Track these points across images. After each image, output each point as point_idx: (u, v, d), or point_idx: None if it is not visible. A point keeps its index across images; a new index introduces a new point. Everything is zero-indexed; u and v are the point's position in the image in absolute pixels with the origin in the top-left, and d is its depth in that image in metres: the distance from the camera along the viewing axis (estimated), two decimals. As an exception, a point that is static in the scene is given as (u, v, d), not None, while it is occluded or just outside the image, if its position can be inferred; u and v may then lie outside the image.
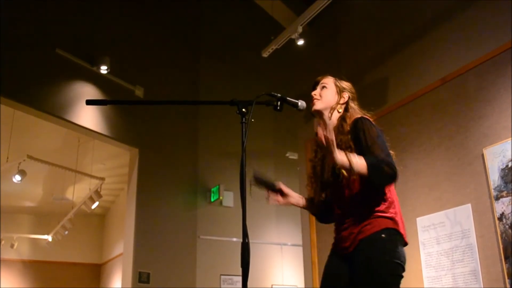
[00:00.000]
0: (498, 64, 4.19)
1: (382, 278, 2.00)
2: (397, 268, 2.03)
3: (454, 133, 4.51)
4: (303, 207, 2.43)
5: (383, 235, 2.04)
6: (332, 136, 1.95)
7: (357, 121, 2.20)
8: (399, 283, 2.03)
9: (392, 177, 2.05)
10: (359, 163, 2.01)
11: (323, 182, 2.33)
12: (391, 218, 2.10)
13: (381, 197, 2.14)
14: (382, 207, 2.12)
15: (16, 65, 4.93)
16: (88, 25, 5.75)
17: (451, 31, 4.77)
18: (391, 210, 2.13)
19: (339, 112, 2.32)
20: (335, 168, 2.16)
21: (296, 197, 2.40)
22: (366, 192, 2.14)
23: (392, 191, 2.21)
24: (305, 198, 2.43)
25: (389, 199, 2.16)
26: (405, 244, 2.14)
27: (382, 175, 2.02)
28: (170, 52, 6.64)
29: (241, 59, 7.22)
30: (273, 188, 2.35)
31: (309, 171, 2.44)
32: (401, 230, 2.12)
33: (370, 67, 5.81)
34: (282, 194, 2.36)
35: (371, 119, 2.25)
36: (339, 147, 2.13)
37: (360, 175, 2.05)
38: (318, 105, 2.32)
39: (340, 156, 1.99)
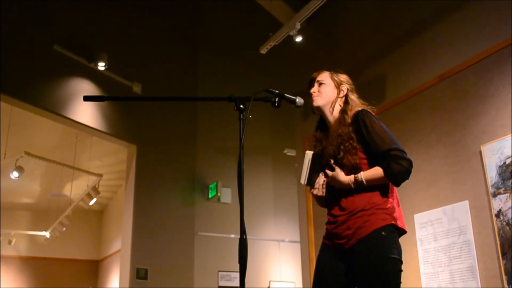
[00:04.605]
0: (496, 61, 4.19)
1: (388, 276, 2.02)
2: (399, 264, 2.05)
3: (452, 130, 4.51)
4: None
5: (383, 233, 2.05)
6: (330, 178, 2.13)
7: (358, 113, 2.21)
8: (400, 277, 2.05)
9: (409, 170, 2.10)
10: (370, 175, 2.10)
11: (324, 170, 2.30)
12: (389, 213, 2.11)
13: (380, 188, 2.14)
14: (380, 199, 2.12)
15: (14, 61, 4.92)
16: (85, 22, 5.73)
17: (449, 28, 4.77)
18: (389, 203, 2.13)
19: (340, 106, 2.33)
20: (336, 156, 2.18)
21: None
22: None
23: None
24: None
25: (388, 189, 2.16)
26: (404, 233, 2.15)
27: (400, 176, 2.08)
28: (168, 48, 6.63)
29: (239, 56, 7.22)
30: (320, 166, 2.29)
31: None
32: (399, 222, 2.12)
33: (368, 64, 5.81)
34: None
35: (371, 112, 2.26)
36: (341, 138, 2.17)
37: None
38: (318, 102, 2.33)
39: (348, 178, 2.12)
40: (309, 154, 2.25)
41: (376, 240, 2.04)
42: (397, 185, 2.13)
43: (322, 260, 2.23)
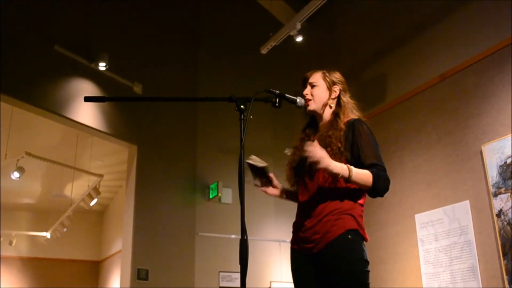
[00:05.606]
0: (497, 61, 4.19)
1: (357, 276, 2.04)
2: (366, 265, 2.09)
3: (452, 129, 4.51)
4: (281, 197, 2.47)
5: (349, 236, 2.08)
6: (319, 152, 1.98)
7: (355, 122, 2.22)
8: (369, 277, 2.09)
9: (387, 189, 2.13)
10: (360, 172, 2.05)
11: (298, 168, 2.32)
12: (355, 218, 2.12)
13: (349, 195, 2.15)
14: (348, 204, 2.14)
15: (14, 61, 4.92)
16: (86, 22, 5.73)
17: (450, 28, 4.77)
18: (356, 209, 2.15)
19: (331, 107, 2.33)
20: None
21: (280, 189, 2.45)
22: (336, 186, 2.15)
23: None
24: (284, 188, 2.46)
25: (357, 196, 2.17)
26: (366, 241, 2.17)
27: (384, 188, 2.10)
28: (168, 49, 6.63)
29: (240, 56, 7.21)
30: (265, 175, 2.37)
31: (289, 158, 2.44)
32: (363, 230, 2.15)
33: (369, 64, 5.81)
34: (271, 183, 2.42)
35: (365, 121, 2.28)
36: (329, 139, 2.16)
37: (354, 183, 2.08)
38: (311, 106, 2.34)
39: (338, 166, 2.02)
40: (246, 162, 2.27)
41: (343, 242, 2.07)
42: (375, 196, 2.14)
43: (295, 267, 2.26)
